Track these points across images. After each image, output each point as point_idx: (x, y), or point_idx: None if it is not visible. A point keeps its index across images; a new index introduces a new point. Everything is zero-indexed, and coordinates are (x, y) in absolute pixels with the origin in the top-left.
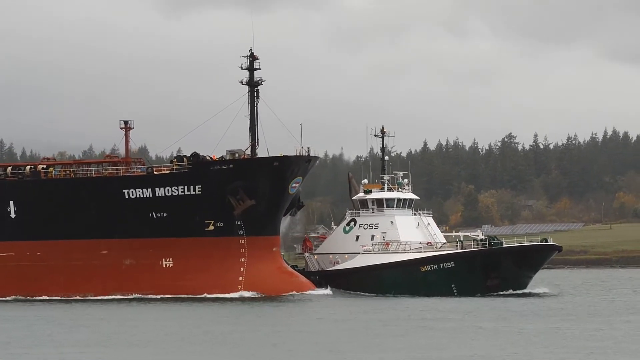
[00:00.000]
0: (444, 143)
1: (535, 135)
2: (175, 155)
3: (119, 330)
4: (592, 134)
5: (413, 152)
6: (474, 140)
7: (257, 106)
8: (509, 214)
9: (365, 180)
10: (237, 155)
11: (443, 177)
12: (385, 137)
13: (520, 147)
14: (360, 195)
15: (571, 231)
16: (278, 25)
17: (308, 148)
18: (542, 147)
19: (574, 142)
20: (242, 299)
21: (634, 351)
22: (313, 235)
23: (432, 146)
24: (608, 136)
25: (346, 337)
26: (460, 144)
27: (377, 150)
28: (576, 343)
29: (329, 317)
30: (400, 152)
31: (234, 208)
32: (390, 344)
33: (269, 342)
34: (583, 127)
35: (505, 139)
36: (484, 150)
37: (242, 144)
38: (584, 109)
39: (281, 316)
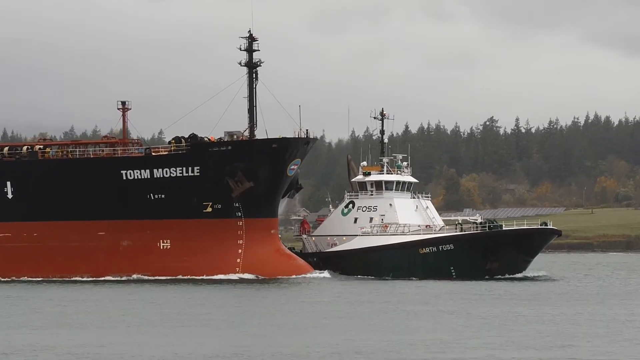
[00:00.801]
0: (425, 126)
1: (517, 119)
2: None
3: (73, 311)
4: (574, 118)
5: (394, 135)
6: (456, 123)
7: (255, 88)
8: (490, 198)
9: (365, 163)
10: (235, 137)
11: (425, 160)
12: (385, 120)
13: (501, 131)
14: (359, 177)
15: (552, 215)
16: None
17: (307, 130)
18: (523, 131)
19: (555, 126)
20: (239, 281)
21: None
22: (294, 217)
23: (413, 129)
24: (590, 120)
25: (304, 319)
26: (442, 127)
27: (376, 132)
28: (520, 327)
29: (310, 300)
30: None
31: (232, 190)
32: (338, 326)
33: (227, 322)
34: (565, 112)
35: (487, 123)
36: (466, 133)
37: (236, 126)
38: (566, 93)
39: (259, 298)
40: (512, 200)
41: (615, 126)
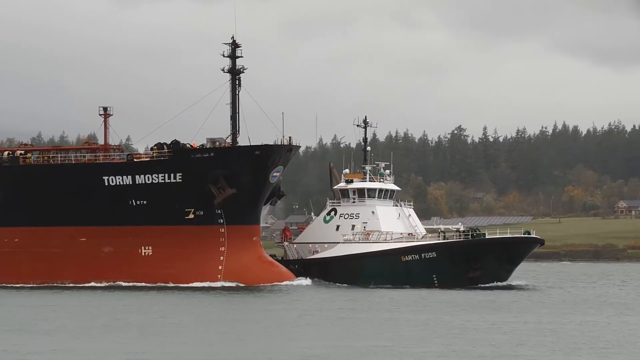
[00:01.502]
0: (393, 134)
1: (485, 128)
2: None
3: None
4: (542, 127)
5: (361, 144)
6: (424, 132)
7: (238, 94)
8: (458, 207)
9: (347, 170)
10: (217, 143)
11: (392, 168)
12: (367, 127)
13: (469, 140)
14: (342, 184)
15: (520, 224)
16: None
17: (290, 137)
18: (491, 140)
19: (523, 135)
20: (220, 289)
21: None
22: (263, 225)
23: (381, 137)
24: (558, 130)
25: (256, 327)
26: (410, 135)
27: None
28: (455, 336)
29: (272, 308)
30: (349, 143)
31: (214, 197)
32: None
33: (172, 329)
34: (533, 121)
35: (455, 132)
36: (434, 142)
37: (216, 133)
38: (534, 102)
39: (223, 306)
40: (479, 209)
41: (583, 136)
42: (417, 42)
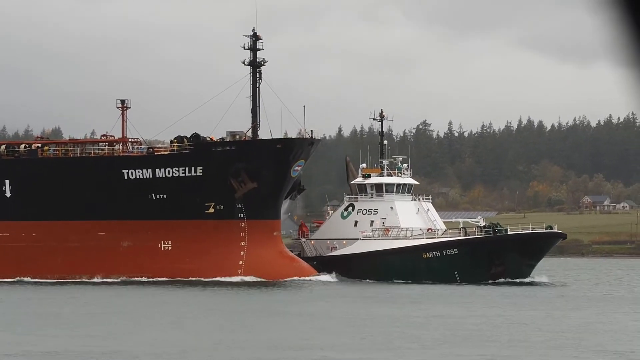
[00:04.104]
0: (358, 129)
1: (450, 123)
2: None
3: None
4: (507, 122)
5: (327, 138)
6: (389, 127)
7: (259, 87)
8: None
9: (364, 165)
10: (237, 137)
11: (357, 163)
12: (384, 121)
13: (434, 135)
14: (359, 179)
15: (485, 219)
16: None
17: (311, 131)
18: (456, 134)
19: (488, 130)
20: (240, 283)
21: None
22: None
23: (346, 132)
24: (523, 125)
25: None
26: (374, 130)
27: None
28: (382, 329)
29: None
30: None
31: (235, 191)
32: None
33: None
34: (498, 116)
35: (420, 126)
36: (399, 137)
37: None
38: (499, 97)
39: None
40: (444, 204)
41: (548, 131)
42: (383, 38)
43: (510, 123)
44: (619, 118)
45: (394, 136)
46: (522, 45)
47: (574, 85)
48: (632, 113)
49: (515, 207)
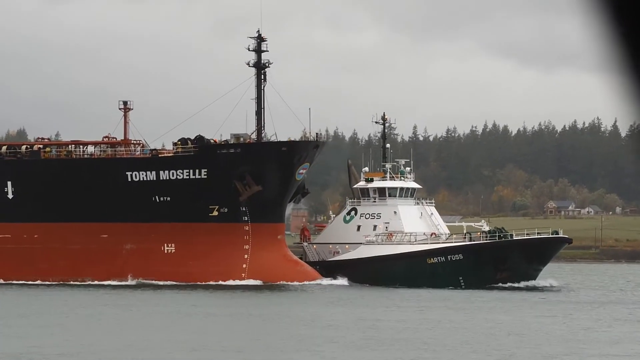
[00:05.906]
0: (323, 133)
1: (415, 127)
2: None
3: None
4: (472, 127)
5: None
6: (354, 130)
7: (264, 89)
8: None
9: (366, 169)
10: (242, 139)
11: (321, 166)
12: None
13: (399, 139)
14: (362, 183)
15: (449, 225)
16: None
17: (317, 133)
18: (421, 139)
19: (453, 135)
20: (242, 287)
21: None
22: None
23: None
24: (488, 130)
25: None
26: (340, 134)
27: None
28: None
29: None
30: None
31: (240, 193)
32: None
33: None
34: (463, 121)
35: (385, 130)
36: (364, 141)
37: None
38: (464, 102)
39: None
40: None
41: (514, 136)
42: (348, 42)
43: (475, 127)
44: (584, 123)
45: (359, 139)
46: (487, 49)
47: (539, 91)
48: (598, 118)
49: (480, 212)
